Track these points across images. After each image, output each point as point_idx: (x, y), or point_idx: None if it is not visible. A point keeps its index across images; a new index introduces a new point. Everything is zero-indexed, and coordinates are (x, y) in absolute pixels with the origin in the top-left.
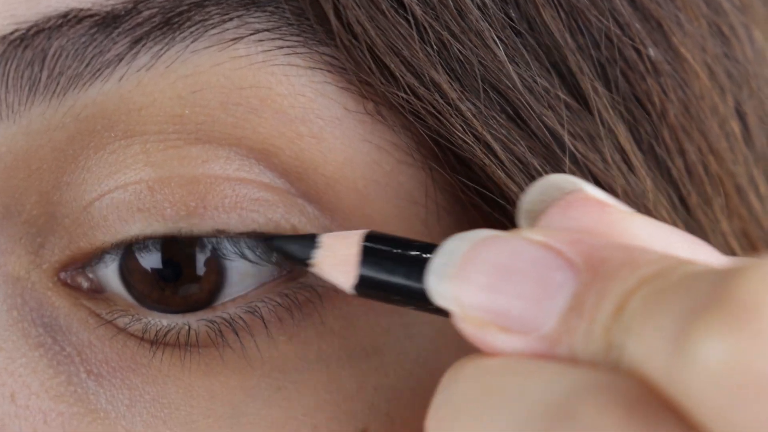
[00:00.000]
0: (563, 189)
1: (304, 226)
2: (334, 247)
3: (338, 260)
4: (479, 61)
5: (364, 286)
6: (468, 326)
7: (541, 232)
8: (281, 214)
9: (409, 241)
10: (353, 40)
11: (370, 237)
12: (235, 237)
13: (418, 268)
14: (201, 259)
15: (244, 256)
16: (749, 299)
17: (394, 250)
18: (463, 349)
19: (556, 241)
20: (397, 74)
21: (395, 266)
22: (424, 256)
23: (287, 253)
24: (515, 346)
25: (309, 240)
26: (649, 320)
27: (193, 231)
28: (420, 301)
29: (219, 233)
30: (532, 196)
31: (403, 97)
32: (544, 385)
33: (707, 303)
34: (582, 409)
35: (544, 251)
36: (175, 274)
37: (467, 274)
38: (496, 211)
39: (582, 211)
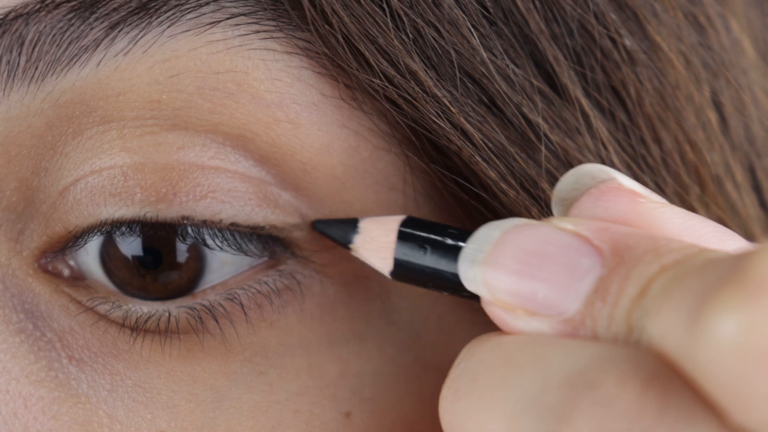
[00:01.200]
0: (596, 178)
1: (276, 219)
2: (373, 232)
3: (376, 245)
4: (454, 50)
5: (400, 271)
6: (496, 310)
7: (570, 220)
8: (252, 207)
9: (445, 227)
10: (328, 28)
11: (407, 222)
12: (199, 225)
13: (451, 254)
14: (182, 246)
15: (221, 247)
16: (762, 276)
17: (430, 237)
18: (448, 333)
19: (584, 229)
20: (372, 62)
21: (430, 253)
22: (457, 243)
23: (328, 235)
24: (540, 329)
25: (349, 224)
26: (668, 300)
27: (158, 216)
28: (454, 286)
29: (184, 219)
30: (565, 184)
31: (378, 84)
32: (565, 356)
33: (722, 281)
34: (601, 379)
35: (572, 237)
36: (156, 261)
37: (497, 259)
38: (472, 198)
39: (614, 200)
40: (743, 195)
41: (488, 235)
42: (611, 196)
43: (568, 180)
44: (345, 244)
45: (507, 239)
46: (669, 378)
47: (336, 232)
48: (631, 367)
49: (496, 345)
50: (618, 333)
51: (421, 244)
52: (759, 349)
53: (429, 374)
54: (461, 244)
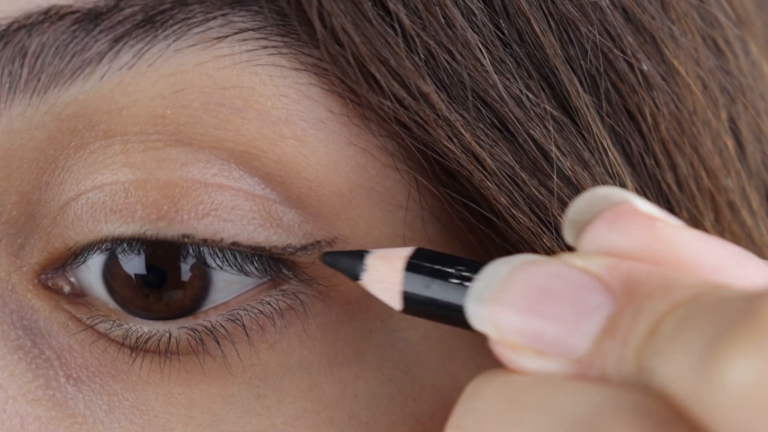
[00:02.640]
0: (611, 200)
1: (278, 240)
2: (379, 271)
3: (383, 284)
4: (467, 72)
5: (410, 306)
6: (504, 349)
7: (580, 256)
8: (255, 227)
9: (454, 260)
10: (338, 48)
11: (415, 257)
12: (200, 243)
13: (460, 290)
14: (185, 265)
15: (221, 267)
16: None
17: (437, 273)
18: (447, 354)
19: (595, 265)
20: (383, 83)
21: (437, 290)
22: (465, 279)
23: (337, 269)
24: (548, 368)
25: (357, 258)
26: (679, 341)
27: (158, 234)
28: (464, 322)
29: (184, 238)
30: (579, 206)
31: (389, 106)
32: (572, 400)
33: (735, 323)
34: (608, 426)
35: (581, 274)
36: (160, 280)
37: (504, 297)
38: (482, 222)
39: (630, 225)
40: (759, 222)
41: (496, 272)
42: (627, 220)
43: (581, 202)
44: (354, 278)
45: (515, 276)
46: (677, 425)
47: (345, 266)
48: (638, 412)
49: (503, 385)
50: (628, 373)
51: (428, 281)
52: None
53: (426, 395)
54: (467, 283)
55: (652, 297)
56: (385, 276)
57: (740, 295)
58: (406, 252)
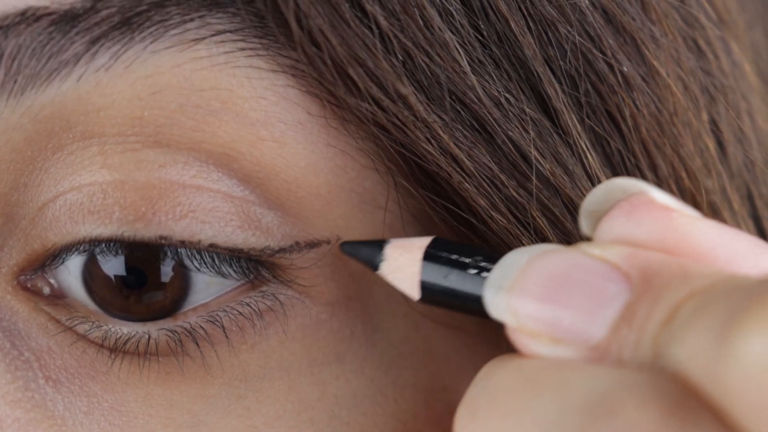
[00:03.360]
0: (627, 191)
1: (256, 242)
2: (398, 260)
3: (402, 274)
4: (445, 74)
5: (428, 296)
6: (521, 337)
7: (598, 245)
8: (233, 228)
9: (472, 250)
10: (315, 49)
11: (433, 246)
12: (177, 245)
13: (477, 279)
14: (165, 266)
15: (199, 269)
16: None
17: (456, 263)
18: (428, 354)
19: (612, 254)
20: (361, 85)
21: (456, 279)
22: (483, 269)
23: (357, 258)
24: (565, 355)
25: (376, 247)
26: (694, 324)
27: (136, 236)
28: (481, 310)
29: (162, 239)
30: (595, 197)
31: (367, 108)
32: (586, 380)
33: (748, 303)
34: (622, 405)
35: (599, 263)
36: (140, 281)
37: (523, 285)
38: (461, 224)
39: (646, 215)
40: (740, 222)
41: (515, 261)
42: (643, 211)
43: (597, 193)
44: (373, 268)
45: (533, 265)
46: (691, 404)
47: (364, 255)
48: (652, 392)
49: (517, 367)
50: (644, 359)
51: (447, 271)
52: None
53: (407, 396)
54: (485, 273)
55: (669, 286)
56: (404, 266)
57: (754, 280)
58: (425, 242)
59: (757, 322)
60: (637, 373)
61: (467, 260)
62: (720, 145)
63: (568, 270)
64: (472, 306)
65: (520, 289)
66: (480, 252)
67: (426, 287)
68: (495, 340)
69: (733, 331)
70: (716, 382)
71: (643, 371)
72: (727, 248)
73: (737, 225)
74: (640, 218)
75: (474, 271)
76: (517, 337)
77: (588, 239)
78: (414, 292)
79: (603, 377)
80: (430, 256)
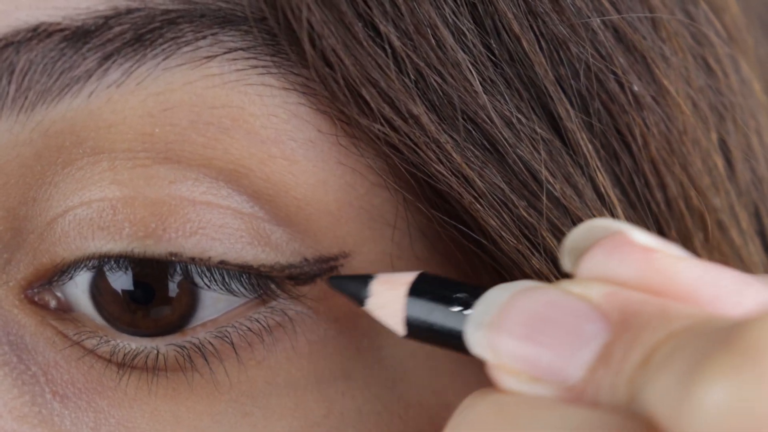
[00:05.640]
0: (608, 230)
1: (266, 258)
2: (383, 296)
3: (389, 304)
4: (457, 94)
5: (413, 330)
6: (500, 374)
7: (579, 283)
8: (242, 245)
9: (456, 285)
10: (328, 69)
11: (418, 282)
12: (187, 262)
13: (460, 316)
14: (174, 280)
15: (209, 286)
16: (754, 344)
17: (441, 295)
18: (434, 371)
19: (594, 293)
20: (373, 105)
21: (439, 314)
22: (466, 302)
23: (343, 293)
24: (542, 393)
25: (361, 283)
26: (665, 368)
27: (146, 252)
28: (465, 347)
29: (172, 256)
30: (576, 234)
31: (379, 129)
32: (559, 418)
33: (715, 348)
34: None
35: (579, 302)
36: (147, 296)
37: (503, 323)
38: (471, 243)
39: (627, 255)
40: (748, 241)
41: (496, 297)
42: (625, 250)
43: (579, 231)
44: (359, 304)
45: (513, 303)
46: None
47: (350, 290)
48: None
49: (495, 401)
50: (620, 401)
51: (431, 307)
52: (748, 420)
53: (413, 412)
54: (468, 309)
55: (647, 327)
56: (389, 301)
57: (728, 324)
58: (410, 277)
59: (721, 370)
60: (608, 415)
61: (451, 296)
62: (729, 162)
63: (547, 309)
64: (456, 342)
65: (499, 326)
66: (464, 288)
67: (411, 323)
68: None
69: (696, 377)
70: (678, 428)
71: (616, 413)
72: (710, 287)
73: (745, 243)
74: (621, 257)
75: (457, 308)
76: (496, 374)
77: (568, 277)
78: (399, 328)
79: (575, 417)
80: (415, 291)
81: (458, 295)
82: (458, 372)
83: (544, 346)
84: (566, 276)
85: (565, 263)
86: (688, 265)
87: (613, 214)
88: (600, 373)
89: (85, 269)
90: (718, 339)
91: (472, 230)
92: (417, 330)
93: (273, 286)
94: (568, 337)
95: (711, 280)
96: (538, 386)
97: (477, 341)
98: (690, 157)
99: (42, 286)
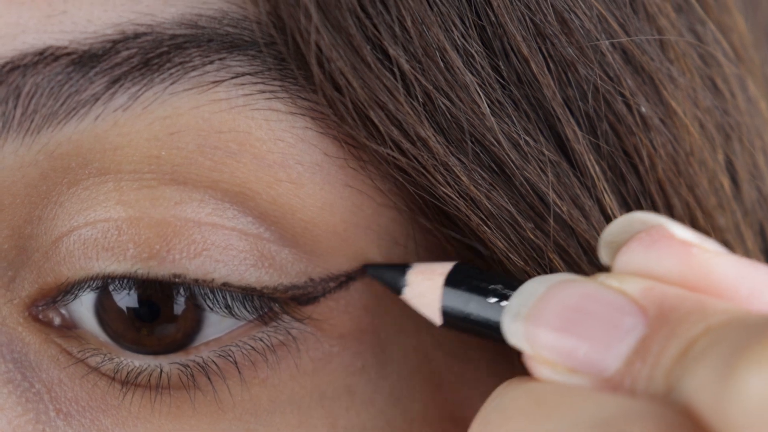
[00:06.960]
0: (647, 223)
1: (269, 280)
2: (420, 286)
3: (426, 293)
4: (465, 116)
5: (449, 321)
6: (537, 365)
7: (616, 277)
8: (246, 267)
9: (492, 276)
10: (337, 93)
11: (456, 270)
12: (191, 283)
13: (497, 306)
14: (179, 301)
15: (212, 308)
16: None
17: (477, 286)
18: (437, 386)
19: (630, 287)
20: (382, 129)
21: (476, 304)
22: (502, 296)
23: (381, 282)
24: (579, 384)
25: (399, 272)
26: (704, 360)
27: (149, 273)
28: (500, 337)
29: (175, 278)
30: (614, 228)
31: (387, 152)
32: (594, 406)
33: (753, 341)
34: (624, 430)
35: (616, 295)
36: (152, 313)
37: (540, 315)
38: (478, 264)
39: (666, 250)
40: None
41: (533, 289)
42: (663, 245)
43: (617, 224)
44: (396, 292)
45: (551, 295)
46: None
47: (387, 279)
48: (658, 422)
49: (529, 389)
50: (657, 393)
51: (467, 297)
52: None
53: (416, 428)
54: (504, 300)
55: (685, 322)
56: (426, 291)
57: (766, 318)
58: (447, 267)
59: (760, 360)
60: (646, 403)
61: (488, 287)
62: (735, 182)
63: (585, 301)
64: (492, 332)
65: (537, 318)
66: (501, 279)
67: (447, 313)
68: (504, 373)
69: (737, 367)
70: (720, 417)
71: (653, 402)
72: (747, 283)
73: None
74: (660, 252)
75: (494, 299)
76: (532, 365)
77: (607, 269)
78: (436, 318)
79: (612, 404)
80: (451, 282)
81: (494, 286)
82: (462, 387)
83: (581, 338)
84: (603, 269)
85: (602, 256)
86: (726, 260)
87: None
88: (637, 365)
89: (89, 289)
90: (756, 332)
91: (479, 251)
92: (453, 320)
93: (276, 307)
94: (606, 329)
95: (748, 277)
96: (575, 377)
97: (514, 332)
98: (697, 178)
99: (46, 304)
